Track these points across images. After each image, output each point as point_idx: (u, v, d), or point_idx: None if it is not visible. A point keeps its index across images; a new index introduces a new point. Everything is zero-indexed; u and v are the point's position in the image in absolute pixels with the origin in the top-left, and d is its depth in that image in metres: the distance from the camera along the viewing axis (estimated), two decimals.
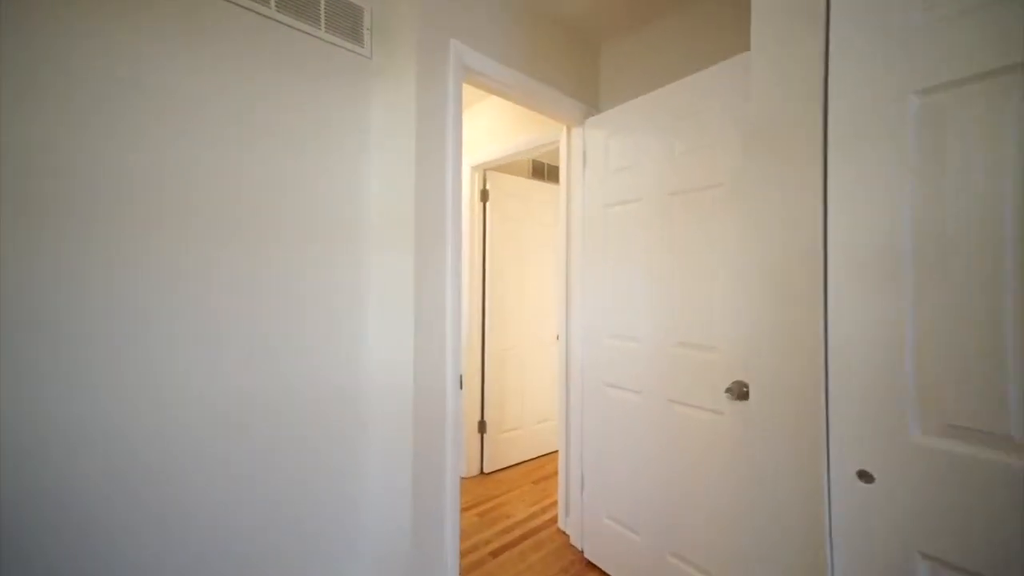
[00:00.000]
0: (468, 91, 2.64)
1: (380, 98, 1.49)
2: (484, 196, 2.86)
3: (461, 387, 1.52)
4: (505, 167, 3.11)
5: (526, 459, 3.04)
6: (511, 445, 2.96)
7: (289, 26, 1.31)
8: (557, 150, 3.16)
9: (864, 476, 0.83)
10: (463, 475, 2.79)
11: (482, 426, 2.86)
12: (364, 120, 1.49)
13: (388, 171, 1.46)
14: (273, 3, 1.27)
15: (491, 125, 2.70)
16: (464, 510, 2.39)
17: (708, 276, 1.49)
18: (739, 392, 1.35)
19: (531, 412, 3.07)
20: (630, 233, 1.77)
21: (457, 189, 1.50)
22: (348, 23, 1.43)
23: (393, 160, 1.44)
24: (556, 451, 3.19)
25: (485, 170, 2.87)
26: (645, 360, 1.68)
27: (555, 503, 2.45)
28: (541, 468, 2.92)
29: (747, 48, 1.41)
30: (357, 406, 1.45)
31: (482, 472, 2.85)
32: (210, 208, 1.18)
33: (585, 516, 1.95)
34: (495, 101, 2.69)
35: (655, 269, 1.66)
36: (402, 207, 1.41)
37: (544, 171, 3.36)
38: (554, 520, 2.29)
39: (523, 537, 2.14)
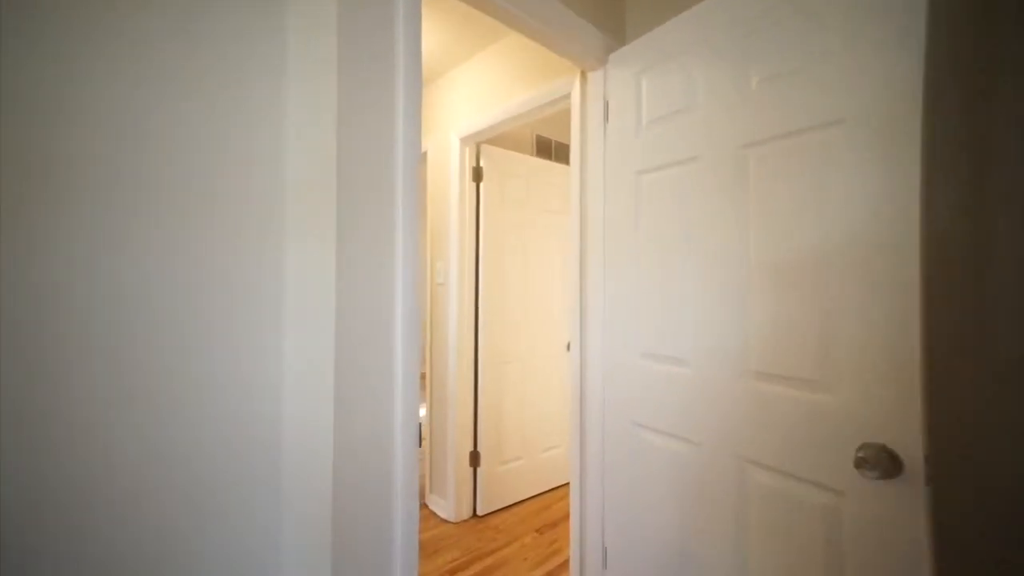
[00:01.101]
0: (454, 46, 2.11)
1: (295, 19, 0.96)
2: (477, 175, 2.32)
3: (421, 443, 0.99)
4: (504, 140, 2.57)
5: (530, 496, 2.50)
6: (511, 480, 2.42)
7: None
8: (566, 118, 2.64)
9: None
10: (451, 519, 2.26)
11: (475, 458, 2.32)
12: (279, 53, 0.96)
13: (302, 121, 0.93)
14: None
15: (483, 86, 2.16)
16: (450, 574, 1.85)
17: (812, 267, 0.94)
18: (881, 462, 0.80)
19: (536, 438, 2.53)
20: (676, 208, 1.22)
21: (413, 150, 0.97)
22: None
23: (309, 106, 0.91)
24: (566, 484, 2.65)
25: (478, 144, 2.34)
26: (700, 394, 1.14)
27: (566, 564, 1.91)
28: (547, 509, 2.38)
29: None
30: (243, 491, 0.92)
31: (475, 515, 2.32)
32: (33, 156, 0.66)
33: None
34: (488, 57, 2.15)
35: (716, 258, 1.11)
36: (317, 174, 0.88)
37: (551, 149, 2.82)
38: None
39: None
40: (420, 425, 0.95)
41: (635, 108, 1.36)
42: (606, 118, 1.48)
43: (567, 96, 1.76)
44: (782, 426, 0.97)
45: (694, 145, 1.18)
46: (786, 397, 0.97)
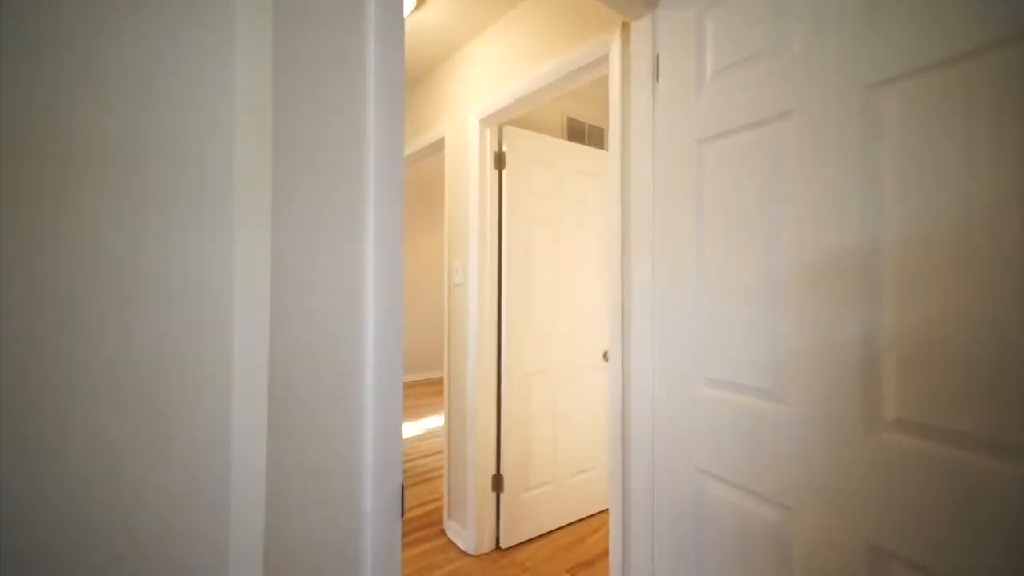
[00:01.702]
0: (466, 17, 1.84)
1: None
2: (499, 161, 2.05)
3: (403, 512, 0.72)
4: (530, 123, 2.28)
5: (561, 525, 2.20)
6: (539, 508, 2.13)
7: None
8: (601, 95, 2.33)
9: None
10: (471, 552, 1.99)
11: (498, 482, 2.05)
12: None
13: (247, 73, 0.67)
14: None
15: (503, 59, 1.88)
16: None
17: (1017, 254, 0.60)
18: None
19: (567, 460, 2.23)
20: (756, 183, 0.90)
21: (394, 106, 0.70)
22: None
23: (251, 55, 0.66)
24: (603, 511, 2.34)
25: (500, 125, 2.06)
26: (800, 443, 0.82)
27: None
28: (581, 543, 2.08)
29: None
30: None
31: (498, 547, 2.05)
32: None
33: None
34: (506, 25, 1.87)
35: (826, 248, 0.79)
36: (252, 136, 0.62)
37: (584, 132, 2.51)
38: None
39: None
40: (402, 486, 0.68)
41: (696, 59, 1.05)
42: (656, 77, 1.17)
43: (603, 59, 1.45)
44: (958, 512, 0.64)
45: (786, 96, 0.86)
46: (969, 470, 0.64)
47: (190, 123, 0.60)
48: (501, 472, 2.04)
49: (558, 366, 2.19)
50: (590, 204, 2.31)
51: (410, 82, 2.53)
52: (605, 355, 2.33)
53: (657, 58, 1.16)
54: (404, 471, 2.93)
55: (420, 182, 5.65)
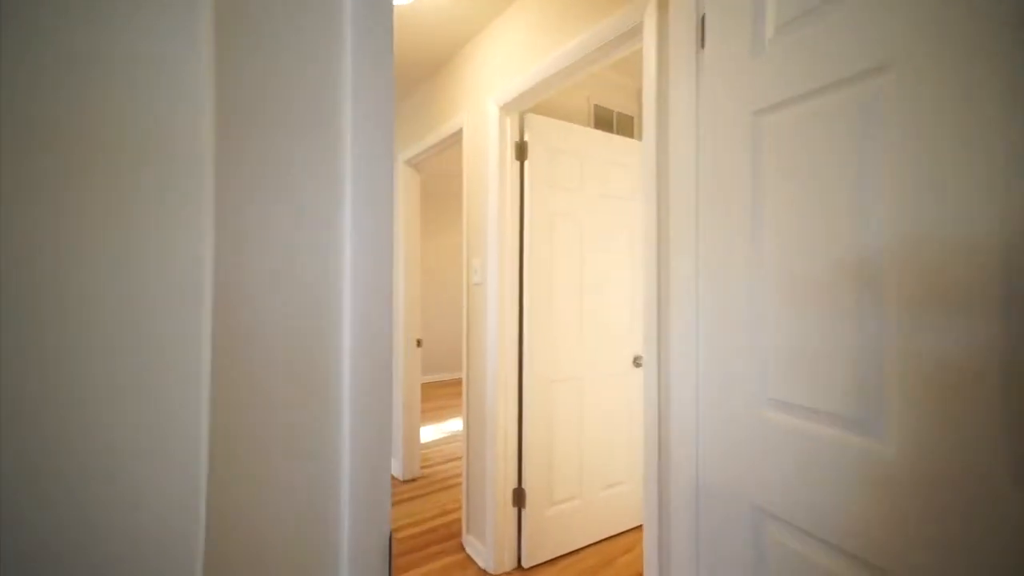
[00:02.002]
0: (483, 1, 1.69)
1: None
2: (520, 151, 1.90)
3: (391, 566, 0.59)
4: (554, 109, 2.13)
5: (589, 543, 2.04)
6: (565, 524, 1.98)
7: None
8: (632, 80, 2.11)
9: None
10: (490, 571, 1.86)
11: (519, 497, 1.91)
12: None
13: None
14: None
15: (523, 41, 1.73)
16: None
17: None
18: None
19: (595, 472, 2.07)
20: (837, 158, 0.73)
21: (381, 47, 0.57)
22: None
23: None
24: (635, 529, 2.16)
25: (522, 113, 1.91)
26: (910, 495, 0.64)
27: None
28: (610, 565, 1.91)
29: None
30: None
31: (519, 566, 1.91)
32: None
33: None
34: (525, 5, 1.72)
35: (948, 238, 0.61)
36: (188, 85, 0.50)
37: (612, 121, 2.33)
38: None
39: None
40: (391, 541, 0.54)
41: (753, 13, 0.88)
42: (700, 42, 1.00)
43: (636, 30, 1.29)
44: None
45: (879, 45, 0.68)
46: None
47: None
48: (523, 486, 1.90)
49: (585, 372, 2.03)
50: (619, 197, 2.13)
51: (425, 73, 2.41)
52: (636, 360, 2.16)
53: (702, 20, 0.99)
54: (424, 477, 2.83)
55: (440, 177, 5.55)
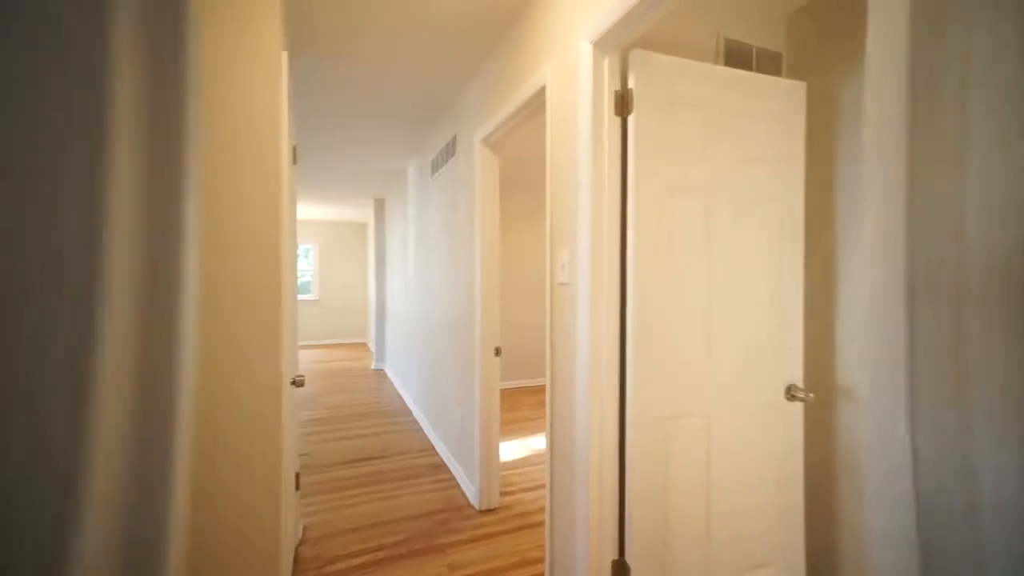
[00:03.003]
0: None
1: None
2: (623, 104, 1.40)
3: None
4: (667, 44, 1.58)
5: None
6: None
7: None
8: (776, 17, 1.46)
9: None
10: None
11: (621, 571, 1.41)
12: None
13: None
14: None
15: None
16: None
17: None
18: None
19: (730, 547, 1.49)
20: None
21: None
22: None
23: None
24: None
25: (625, 50, 1.40)
26: None
27: None
28: None
29: None
30: None
31: None
32: None
33: None
34: None
35: None
36: None
37: (752, 57, 1.71)
38: None
39: None
40: None
41: None
42: None
43: None
44: None
45: None
46: None
47: None
48: (625, 559, 1.40)
49: (713, 406, 1.46)
50: (765, 160, 1.52)
51: (500, 27, 2.00)
52: (790, 391, 1.53)
53: None
54: (504, 508, 2.44)
55: (516, 163, 5.14)
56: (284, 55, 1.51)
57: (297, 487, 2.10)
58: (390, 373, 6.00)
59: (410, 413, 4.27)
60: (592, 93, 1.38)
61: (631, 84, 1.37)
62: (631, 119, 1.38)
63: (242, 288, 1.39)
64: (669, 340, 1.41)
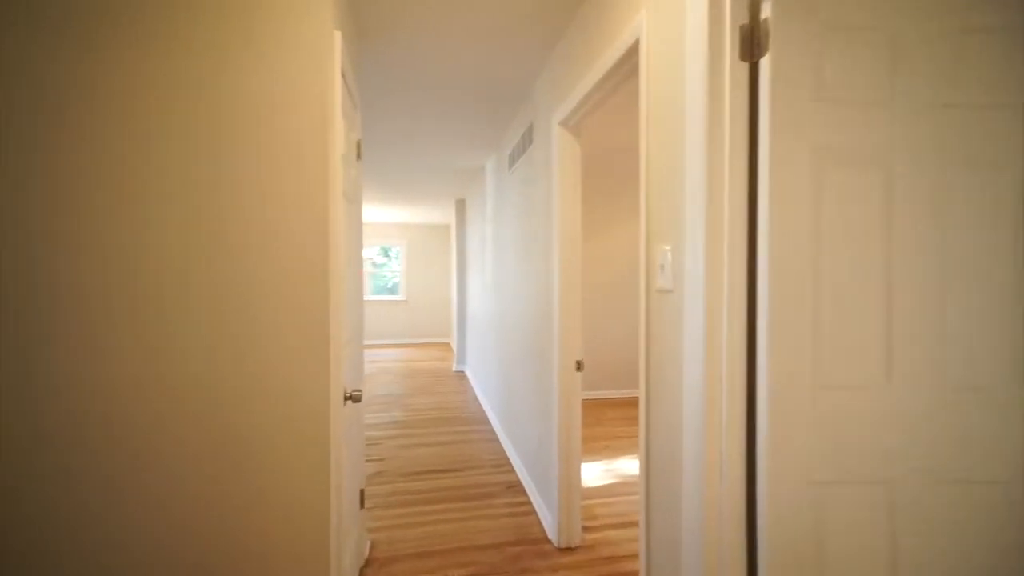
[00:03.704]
0: None
1: None
2: (751, 42, 1.01)
3: None
4: None
5: None
6: None
7: None
8: None
9: None
10: None
11: None
12: None
13: None
14: None
15: None
16: None
17: None
18: None
19: None
20: None
21: None
22: None
23: None
24: None
25: None
26: None
27: None
28: None
29: None
30: None
31: None
32: None
33: None
34: None
35: None
36: None
37: None
38: None
39: None
40: None
41: None
42: None
43: None
44: None
45: None
46: None
47: None
48: None
49: (897, 468, 1.01)
50: (988, 106, 1.02)
51: None
52: None
53: None
54: (586, 547, 2.11)
55: (608, 149, 4.69)
56: (337, 35, 1.35)
57: (362, 504, 1.97)
58: (470, 376, 5.93)
59: (487, 421, 4.10)
60: (707, 32, 1.02)
61: (766, 12, 0.98)
62: (765, 62, 0.98)
63: (282, 296, 1.24)
64: (825, 369, 0.99)
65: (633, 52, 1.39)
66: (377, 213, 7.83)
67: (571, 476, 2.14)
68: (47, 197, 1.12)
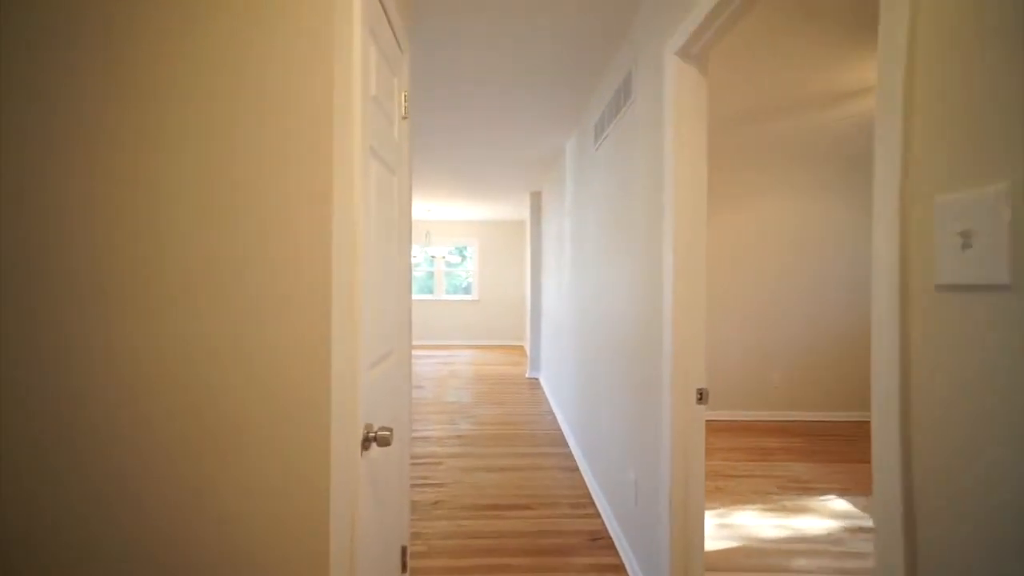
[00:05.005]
0: None
1: None
2: None
3: None
4: None
5: None
6: None
7: None
8: None
9: None
10: None
11: None
12: None
13: None
14: None
15: None
16: None
17: None
18: None
19: None
20: None
21: None
22: None
23: None
24: None
25: None
26: None
27: None
28: None
29: None
30: None
31: None
32: None
33: None
34: None
35: None
36: None
37: None
38: None
39: None
40: None
41: None
42: None
43: None
44: None
45: None
46: None
47: None
48: None
49: None
50: None
51: None
52: None
53: None
54: None
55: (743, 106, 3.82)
56: None
57: (404, 568, 1.51)
58: (544, 384, 5.39)
59: (564, 443, 3.53)
60: None
61: None
62: None
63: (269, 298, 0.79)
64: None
65: None
66: (448, 210, 7.59)
67: (689, 543, 1.51)
68: (56, 195, 0.78)
